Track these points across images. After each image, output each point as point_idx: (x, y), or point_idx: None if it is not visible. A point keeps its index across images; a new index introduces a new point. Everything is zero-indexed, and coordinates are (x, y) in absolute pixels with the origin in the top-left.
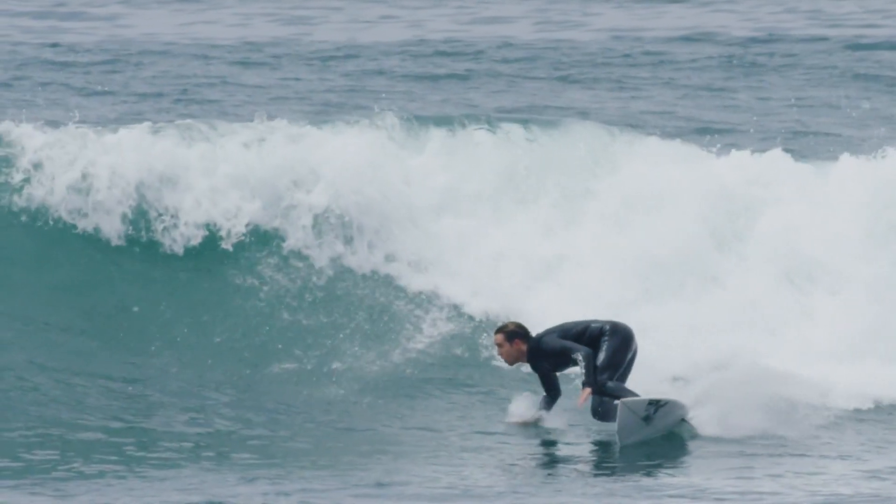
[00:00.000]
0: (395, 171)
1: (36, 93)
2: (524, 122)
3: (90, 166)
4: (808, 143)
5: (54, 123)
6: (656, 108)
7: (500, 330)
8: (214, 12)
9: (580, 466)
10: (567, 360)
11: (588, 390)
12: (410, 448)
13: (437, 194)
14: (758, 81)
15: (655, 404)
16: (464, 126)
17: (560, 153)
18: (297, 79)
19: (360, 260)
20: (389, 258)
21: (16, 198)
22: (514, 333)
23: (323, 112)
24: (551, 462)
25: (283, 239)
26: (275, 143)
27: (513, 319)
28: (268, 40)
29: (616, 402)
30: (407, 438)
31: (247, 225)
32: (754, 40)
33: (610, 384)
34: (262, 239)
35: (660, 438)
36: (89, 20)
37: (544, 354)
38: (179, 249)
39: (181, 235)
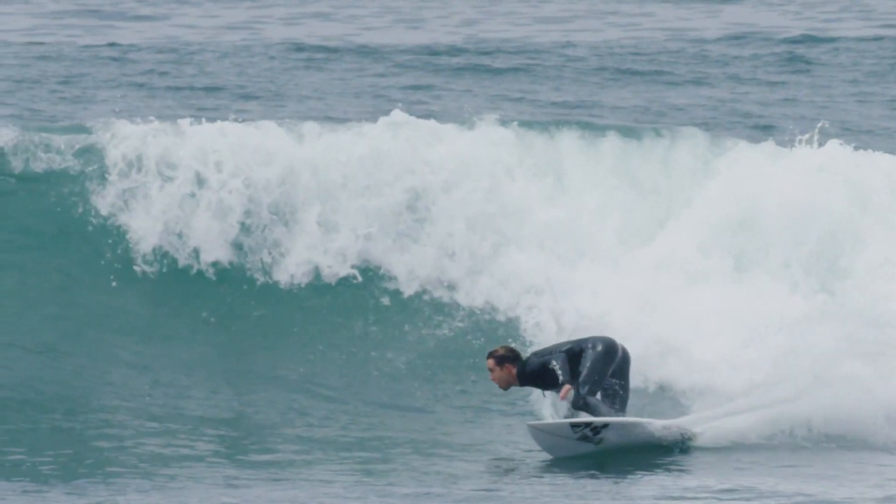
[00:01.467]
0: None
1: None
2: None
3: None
4: None
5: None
6: (708, 103)
7: (490, 355)
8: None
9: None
10: (552, 379)
11: (568, 386)
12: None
13: None
14: (817, 79)
15: (584, 427)
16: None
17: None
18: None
19: None
20: None
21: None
22: (503, 358)
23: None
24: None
25: None
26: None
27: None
28: (317, 40)
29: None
30: None
31: None
32: (810, 38)
33: (589, 399)
34: None
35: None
36: (142, 20)
37: (529, 377)
38: None
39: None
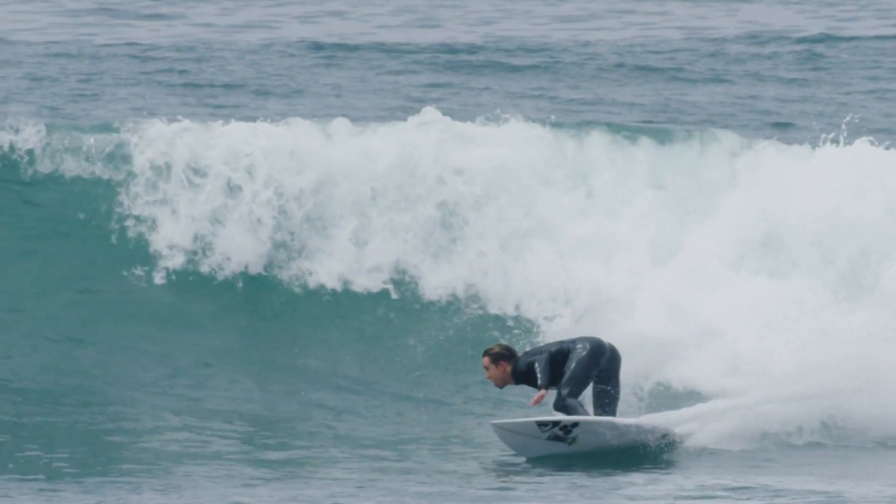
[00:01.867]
0: None
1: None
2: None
3: None
4: None
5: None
6: (728, 101)
7: (486, 353)
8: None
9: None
10: (536, 379)
11: (542, 392)
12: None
13: None
14: (836, 77)
15: (552, 426)
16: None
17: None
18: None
19: None
20: None
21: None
22: (498, 356)
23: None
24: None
25: None
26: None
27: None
28: (335, 38)
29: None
30: None
31: None
32: (828, 37)
33: (568, 400)
34: None
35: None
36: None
37: (520, 376)
38: None
39: None
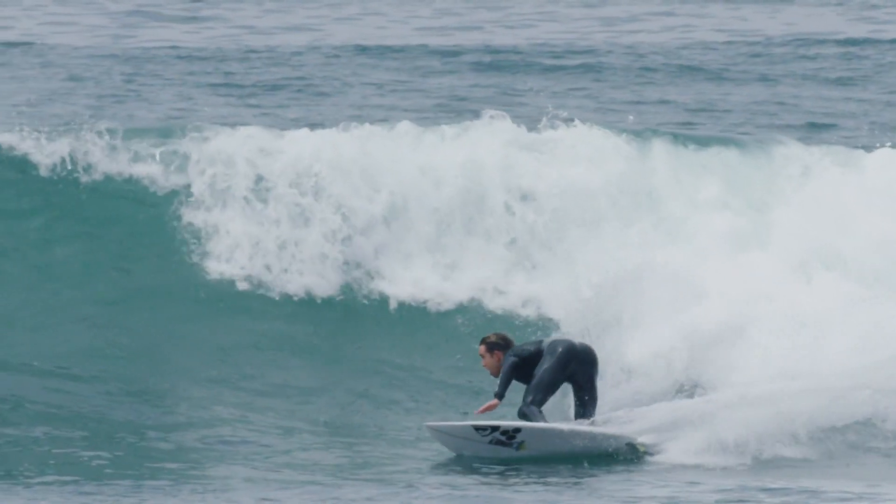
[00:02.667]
0: None
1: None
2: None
3: None
4: None
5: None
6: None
7: (483, 341)
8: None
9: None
10: (520, 376)
11: (494, 402)
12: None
13: None
14: (878, 80)
15: (491, 430)
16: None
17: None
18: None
19: None
20: None
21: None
22: (494, 345)
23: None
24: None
25: None
26: None
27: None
28: (376, 40)
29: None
30: None
31: None
32: (868, 41)
33: (529, 408)
34: None
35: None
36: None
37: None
38: None
39: None
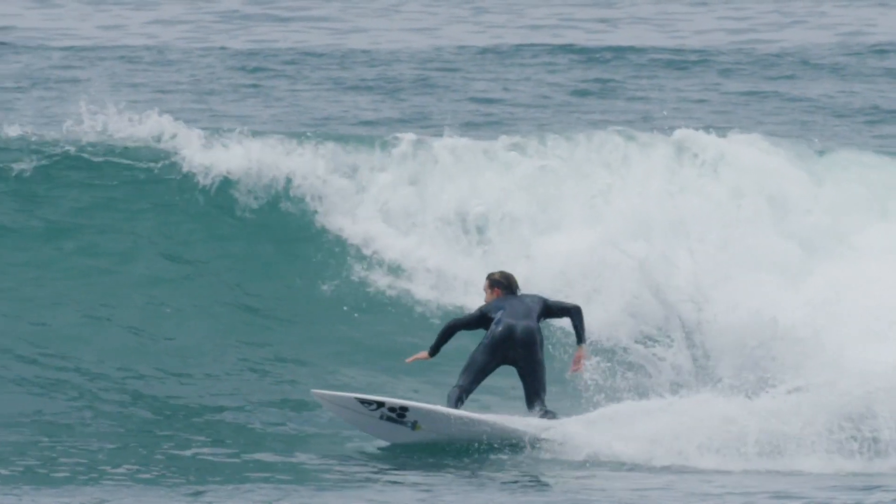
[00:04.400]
0: None
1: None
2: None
3: None
4: None
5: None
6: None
7: (488, 276)
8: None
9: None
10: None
11: (422, 354)
12: None
13: None
14: None
15: (377, 406)
16: None
17: None
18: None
19: None
20: None
21: None
22: (496, 282)
23: None
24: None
25: None
26: None
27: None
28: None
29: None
30: None
31: None
32: None
33: (451, 389)
34: None
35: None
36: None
37: None
38: None
39: None
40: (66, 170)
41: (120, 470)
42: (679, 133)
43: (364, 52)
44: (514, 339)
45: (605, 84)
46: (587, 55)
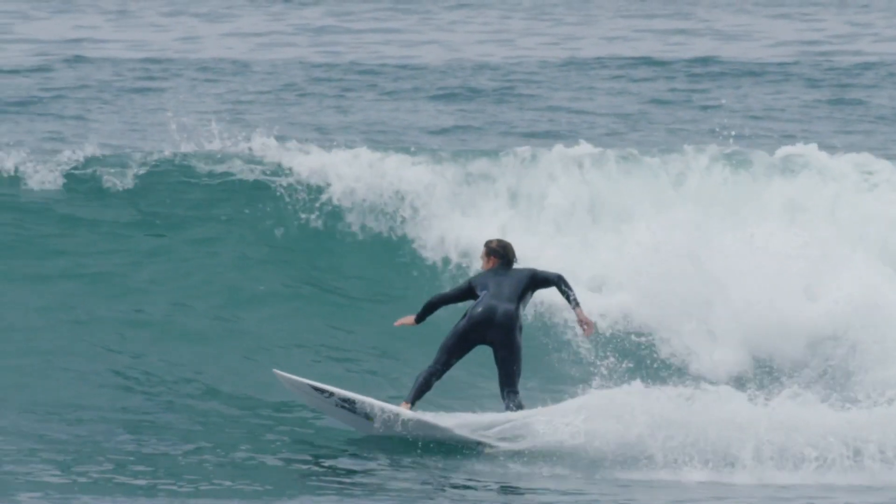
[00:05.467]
0: None
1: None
2: None
3: None
4: None
5: None
6: None
7: (486, 244)
8: None
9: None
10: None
11: (409, 319)
12: None
13: None
14: None
15: (328, 394)
16: None
17: None
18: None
19: None
20: None
21: None
22: (492, 251)
23: None
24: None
25: None
26: None
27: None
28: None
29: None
30: None
31: None
32: None
33: (420, 375)
34: None
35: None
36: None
37: None
38: None
39: None
40: (162, 175)
41: (194, 469)
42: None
43: (437, 63)
44: (493, 322)
45: (694, 95)
46: (664, 66)
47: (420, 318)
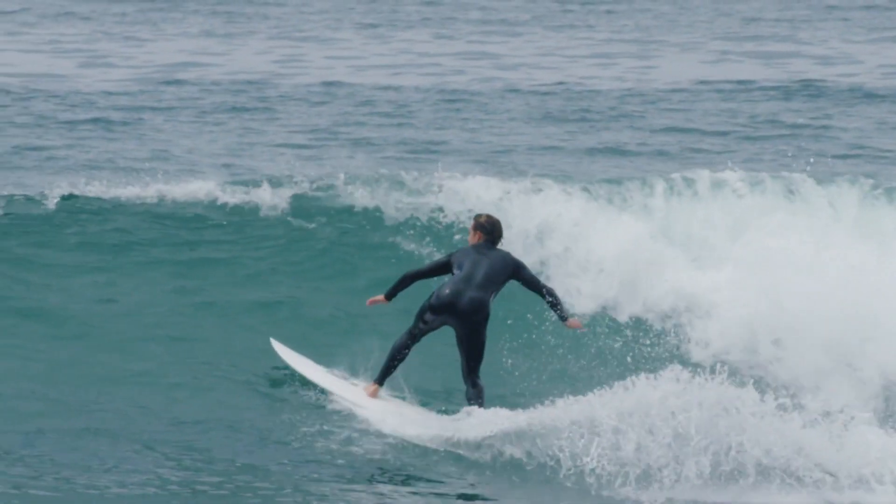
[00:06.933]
0: None
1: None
2: None
3: None
4: None
5: None
6: None
7: (475, 217)
8: None
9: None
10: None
11: (379, 297)
12: None
13: None
14: None
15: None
16: None
17: None
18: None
19: None
20: None
21: None
22: (479, 226)
23: None
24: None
25: None
26: None
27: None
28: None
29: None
30: None
31: None
32: None
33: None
34: None
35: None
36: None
37: None
38: None
39: None
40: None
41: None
42: None
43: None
44: (456, 308)
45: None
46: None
47: (391, 294)
